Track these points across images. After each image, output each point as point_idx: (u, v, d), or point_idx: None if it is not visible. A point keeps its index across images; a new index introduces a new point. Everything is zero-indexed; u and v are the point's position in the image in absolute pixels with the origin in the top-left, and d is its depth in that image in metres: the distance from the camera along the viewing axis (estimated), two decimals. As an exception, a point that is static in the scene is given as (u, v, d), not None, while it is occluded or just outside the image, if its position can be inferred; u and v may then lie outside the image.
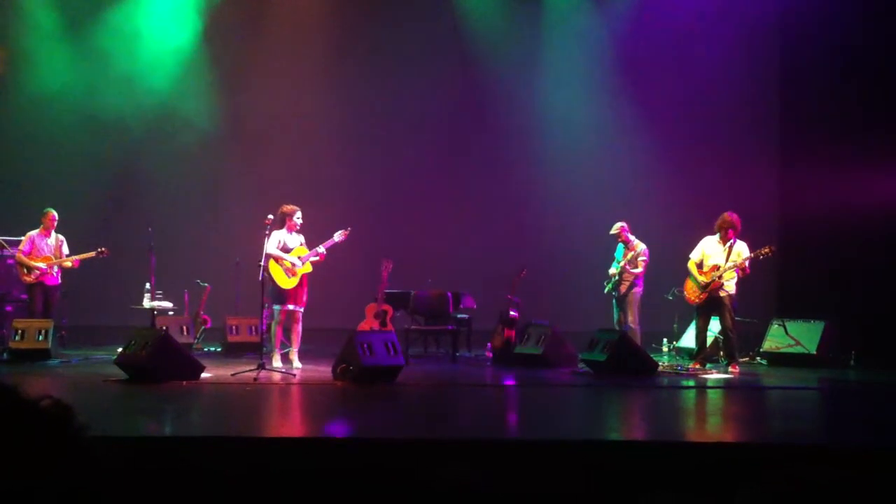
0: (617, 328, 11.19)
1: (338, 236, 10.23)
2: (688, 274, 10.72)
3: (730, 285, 10.46)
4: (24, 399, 1.43)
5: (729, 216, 10.48)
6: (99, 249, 11.16)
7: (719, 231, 10.53)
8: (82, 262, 11.24)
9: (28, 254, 11.06)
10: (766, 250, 10.28)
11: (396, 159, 14.33)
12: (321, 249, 10.14)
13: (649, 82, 14.20)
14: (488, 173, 14.44)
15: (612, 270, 11.47)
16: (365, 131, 14.39)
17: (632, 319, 11.28)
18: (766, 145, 14.22)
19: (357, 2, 14.67)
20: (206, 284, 12.69)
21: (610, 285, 11.48)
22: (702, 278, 10.54)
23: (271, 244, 9.91)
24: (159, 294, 11.80)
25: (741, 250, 10.39)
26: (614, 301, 11.49)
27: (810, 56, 13.18)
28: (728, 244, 10.45)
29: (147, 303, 11.64)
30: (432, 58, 14.19)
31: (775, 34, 14.19)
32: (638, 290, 11.35)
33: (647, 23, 14.17)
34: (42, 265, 11.01)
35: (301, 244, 10.19)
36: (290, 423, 7.24)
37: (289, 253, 10.09)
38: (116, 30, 13.98)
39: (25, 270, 11.05)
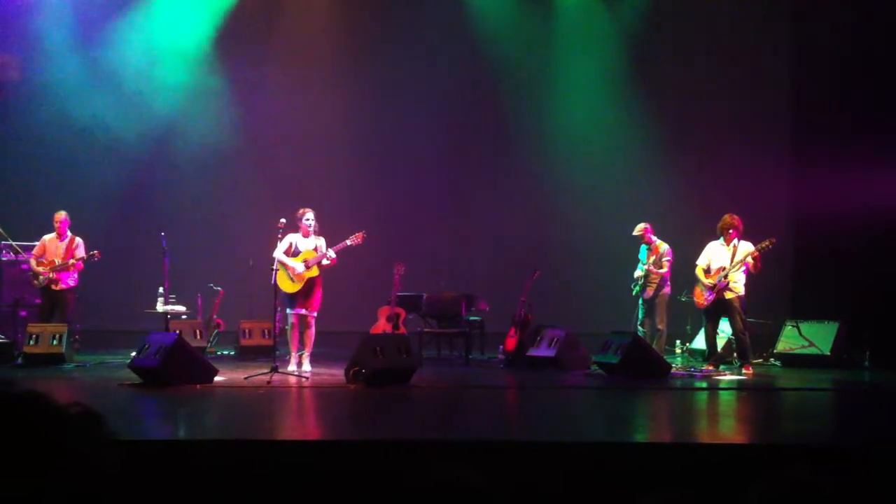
0: (640, 329, 11.15)
1: (350, 240, 10.16)
2: (696, 280, 10.74)
3: (737, 286, 10.46)
4: (55, 405, 1.45)
5: (729, 217, 10.52)
6: (91, 253, 11.14)
7: (721, 233, 10.57)
8: (85, 262, 11.19)
9: (39, 258, 11.10)
10: (768, 243, 10.30)
11: (409, 162, 14.34)
12: (331, 253, 10.10)
13: (661, 83, 14.17)
14: (501, 176, 14.43)
15: (638, 273, 11.41)
16: (377, 134, 14.40)
17: (658, 321, 11.24)
18: (779, 146, 14.17)
19: (366, 6, 14.69)
20: (219, 288, 12.72)
21: (637, 288, 11.42)
22: (709, 281, 10.54)
23: (280, 248, 9.96)
24: (173, 298, 11.83)
25: (746, 249, 10.39)
26: (640, 302, 11.44)
27: (823, 55, 13.13)
28: (732, 245, 10.47)
29: (160, 307, 11.67)
30: (444, 61, 14.20)
31: (787, 34, 14.15)
32: (666, 290, 11.31)
33: (659, 23, 14.15)
34: (43, 270, 11.02)
35: (316, 248, 10.16)
36: (303, 426, 7.26)
37: (297, 256, 10.09)
38: (129, 35, 14.03)
39: (33, 275, 11.11)
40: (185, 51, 14.29)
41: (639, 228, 11.40)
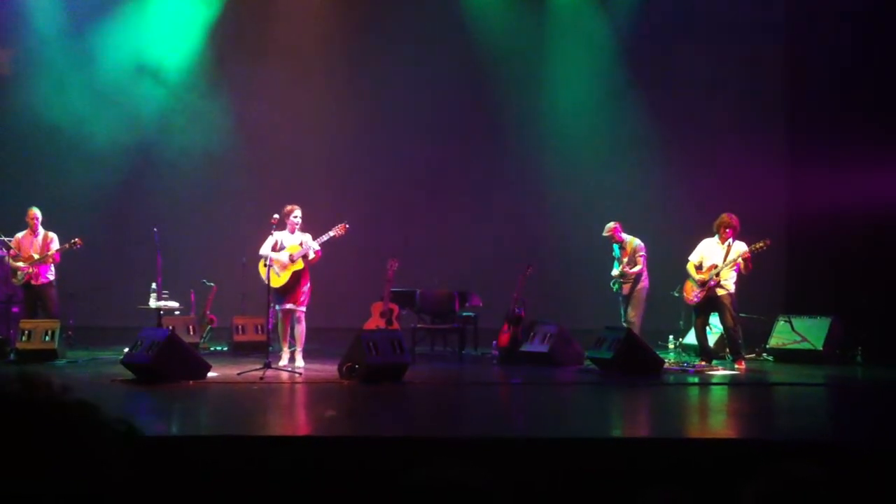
0: (625, 326, 11.17)
1: (334, 231, 10.16)
2: (687, 276, 10.75)
3: (728, 284, 10.45)
4: (105, 419, 1.44)
5: (727, 217, 10.48)
6: (72, 241, 11.13)
7: (717, 232, 10.55)
8: (63, 254, 11.18)
9: (14, 255, 11.09)
10: (762, 244, 10.28)
11: (402, 158, 14.33)
12: (316, 245, 10.11)
13: (655, 81, 14.18)
14: (494, 172, 14.44)
15: (615, 272, 11.43)
16: (370, 131, 14.39)
17: (633, 314, 11.25)
18: (773, 143, 14.19)
19: (358, 4, 14.66)
20: (212, 284, 12.70)
21: (616, 286, 11.45)
22: (699, 277, 10.55)
23: (266, 245, 9.99)
24: (165, 294, 11.81)
25: (739, 249, 10.39)
26: (621, 298, 11.46)
27: (818, 54, 13.16)
28: (726, 244, 10.46)
29: (153, 303, 11.65)
30: (438, 57, 14.19)
31: (782, 31, 14.17)
32: (644, 285, 11.31)
33: (653, 21, 14.15)
34: (23, 265, 11.02)
35: (301, 243, 10.15)
36: (296, 422, 7.25)
37: (283, 251, 10.11)
38: (122, 30, 14.01)
39: (13, 273, 11.10)
40: (178, 48, 14.28)
41: (608, 229, 11.42)
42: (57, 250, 11.11)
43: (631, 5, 14.34)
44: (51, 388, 1.42)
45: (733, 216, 10.50)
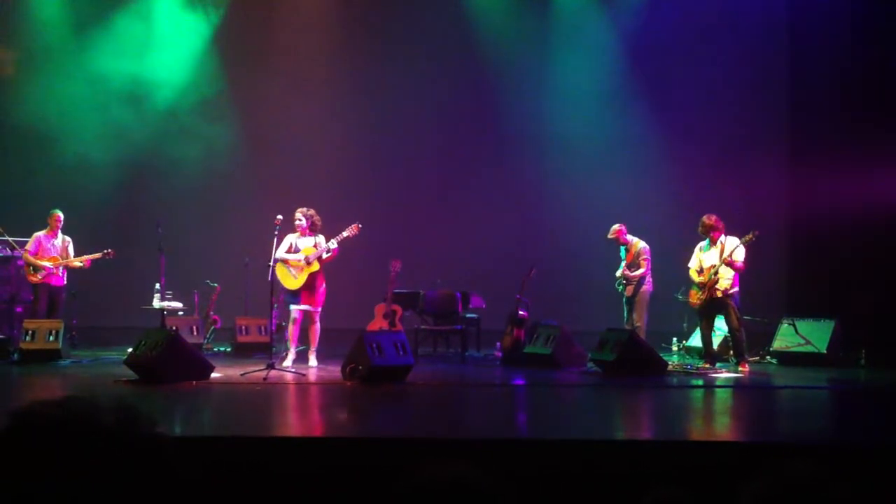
0: (628, 328, 11.17)
1: (347, 231, 10.30)
2: (691, 283, 10.77)
3: (727, 282, 10.41)
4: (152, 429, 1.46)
5: (707, 219, 10.54)
6: (105, 251, 11.24)
7: (706, 236, 10.58)
8: (92, 262, 11.33)
9: (35, 254, 11.14)
10: (751, 235, 10.31)
11: (405, 160, 14.33)
12: (333, 245, 10.25)
13: (658, 83, 14.18)
14: (497, 173, 14.42)
15: (619, 272, 11.45)
16: (374, 132, 14.39)
17: (637, 317, 11.25)
18: (776, 144, 14.18)
19: (361, 5, 14.67)
20: (215, 285, 12.72)
21: (621, 286, 11.46)
22: (700, 280, 10.56)
23: (280, 249, 10.08)
24: (169, 294, 11.83)
25: (733, 244, 10.42)
26: (624, 300, 11.46)
27: (820, 56, 13.14)
28: (719, 243, 10.48)
29: (157, 303, 11.67)
30: (441, 59, 14.20)
31: (784, 34, 14.16)
32: (647, 288, 11.31)
33: (656, 24, 14.14)
34: (49, 265, 11.09)
35: (315, 245, 10.31)
36: (299, 423, 7.26)
37: (298, 253, 10.26)
38: (126, 32, 14.04)
39: (32, 270, 11.13)
40: (182, 48, 14.31)
41: (612, 231, 11.43)
42: (89, 258, 11.22)
43: (633, 7, 14.33)
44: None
45: (713, 217, 10.56)
